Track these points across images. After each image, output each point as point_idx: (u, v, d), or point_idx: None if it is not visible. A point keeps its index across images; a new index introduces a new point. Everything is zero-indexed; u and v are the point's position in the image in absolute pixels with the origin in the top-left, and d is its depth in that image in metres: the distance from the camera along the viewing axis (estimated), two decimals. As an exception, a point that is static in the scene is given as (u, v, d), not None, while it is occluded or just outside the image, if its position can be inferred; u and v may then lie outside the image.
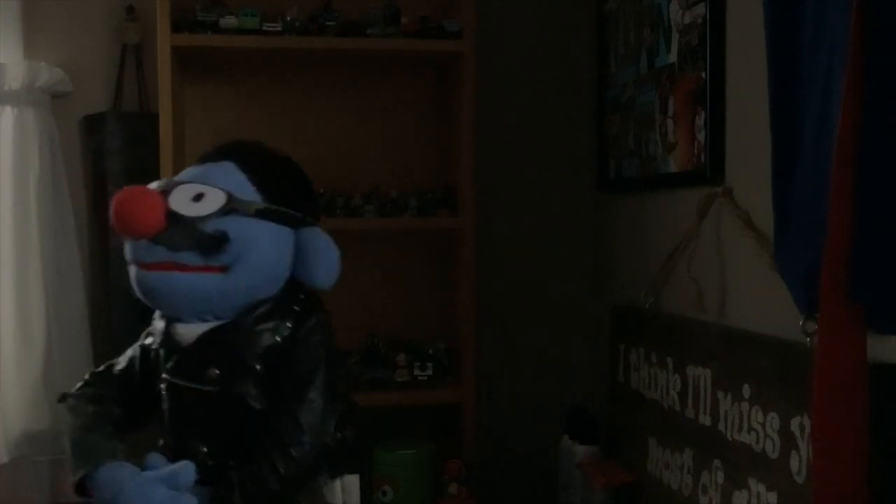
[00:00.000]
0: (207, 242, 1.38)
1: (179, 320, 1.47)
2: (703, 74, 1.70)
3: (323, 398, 1.47)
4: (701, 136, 1.72)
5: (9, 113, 2.12)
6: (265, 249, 1.44)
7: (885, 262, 1.08)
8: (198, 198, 1.41)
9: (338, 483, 2.12)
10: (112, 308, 2.19)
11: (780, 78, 1.34)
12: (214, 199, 1.41)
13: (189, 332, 1.46)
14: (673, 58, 1.85)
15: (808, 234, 1.23)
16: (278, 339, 1.46)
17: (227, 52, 2.13)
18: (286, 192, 1.52)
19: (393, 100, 2.35)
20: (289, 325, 1.47)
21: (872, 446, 1.11)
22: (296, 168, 1.62)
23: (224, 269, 1.40)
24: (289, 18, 2.08)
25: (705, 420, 1.64)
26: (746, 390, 1.49)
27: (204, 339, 1.45)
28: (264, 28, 2.07)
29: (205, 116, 2.26)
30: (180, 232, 1.38)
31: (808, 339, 1.30)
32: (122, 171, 2.18)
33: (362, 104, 2.33)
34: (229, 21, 2.06)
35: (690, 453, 1.70)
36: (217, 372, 1.44)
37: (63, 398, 1.54)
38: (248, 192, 1.46)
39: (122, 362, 1.60)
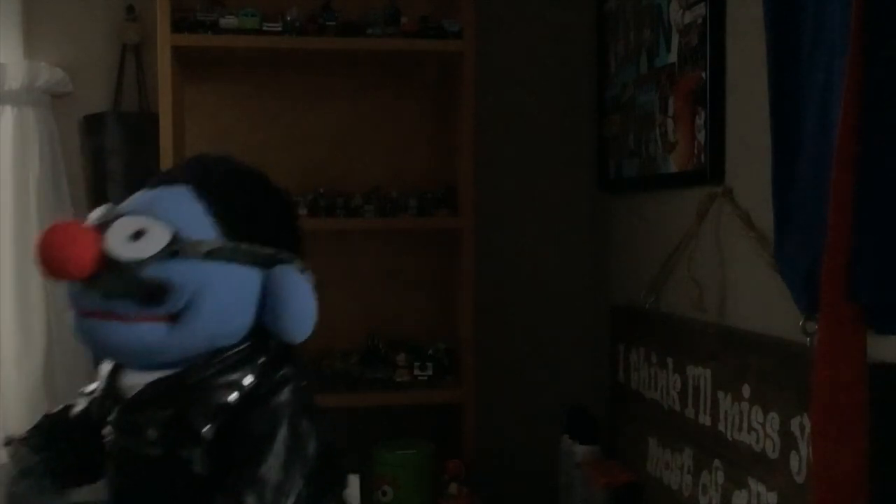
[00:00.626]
0: (144, 292, 1.17)
1: (123, 368, 1.26)
2: (703, 74, 1.70)
3: (281, 474, 1.22)
4: (701, 136, 1.72)
5: (9, 113, 2.12)
6: (220, 296, 1.22)
7: (885, 262, 1.08)
8: (137, 235, 1.18)
9: (338, 483, 2.12)
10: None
11: (780, 78, 1.34)
12: (156, 239, 1.19)
13: (133, 381, 1.24)
14: (673, 58, 1.85)
15: (808, 234, 1.23)
16: (235, 395, 1.23)
17: (227, 52, 2.13)
18: (253, 223, 1.30)
19: (393, 100, 2.35)
20: (251, 378, 1.25)
21: (872, 446, 1.11)
22: (270, 192, 1.38)
23: (172, 317, 1.19)
24: (289, 18, 2.08)
25: (705, 420, 1.64)
26: (746, 390, 1.49)
27: (147, 392, 1.22)
28: (264, 28, 2.07)
29: (205, 116, 2.26)
30: (114, 278, 1.16)
31: (808, 339, 1.30)
32: (122, 171, 2.18)
33: (362, 104, 2.33)
34: (229, 21, 2.06)
35: (690, 453, 1.70)
36: (156, 433, 1.20)
37: (7, 442, 1.35)
38: (203, 226, 1.23)
39: (80, 404, 1.36)
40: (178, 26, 2.04)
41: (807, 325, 1.30)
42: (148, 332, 1.18)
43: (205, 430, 1.20)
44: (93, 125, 2.21)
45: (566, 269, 2.45)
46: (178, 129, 2.12)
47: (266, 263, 1.29)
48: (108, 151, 2.18)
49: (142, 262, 1.16)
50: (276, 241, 1.32)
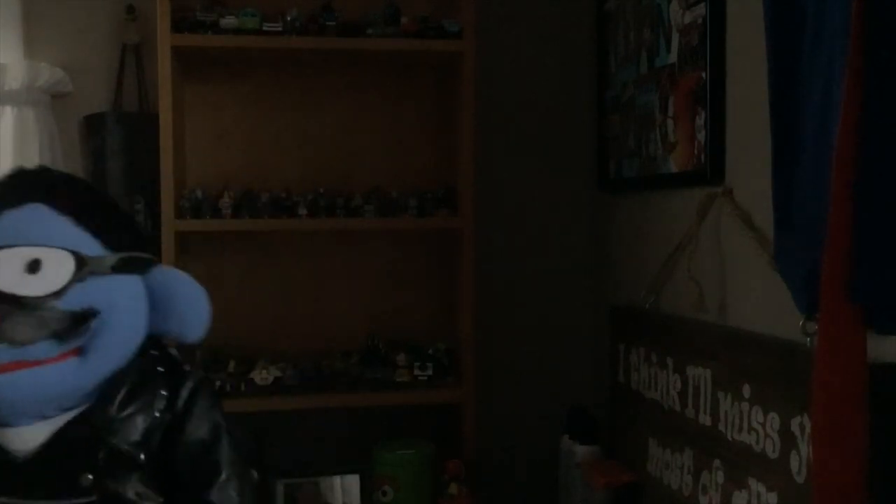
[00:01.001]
0: (68, 325, 1.06)
1: (7, 425, 1.11)
2: (703, 74, 1.70)
3: (236, 481, 1.21)
4: (701, 136, 1.72)
5: (9, 113, 2.12)
6: (126, 314, 1.14)
7: (885, 262, 1.08)
8: (33, 267, 1.07)
9: (338, 482, 2.13)
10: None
11: (780, 78, 1.34)
12: (59, 265, 1.08)
13: (27, 437, 1.11)
14: (673, 58, 1.85)
15: (808, 234, 1.23)
16: (157, 414, 1.17)
17: (227, 52, 2.13)
18: (118, 229, 1.21)
19: (393, 100, 2.35)
20: (163, 392, 1.19)
21: (872, 446, 1.11)
22: (105, 195, 1.30)
23: (79, 351, 1.09)
24: (289, 18, 2.08)
25: (705, 420, 1.64)
26: (746, 390, 1.49)
27: (56, 441, 1.11)
28: (264, 28, 2.07)
29: (205, 116, 2.26)
30: (29, 319, 1.04)
31: (808, 339, 1.30)
32: (122, 171, 2.19)
33: (362, 104, 2.33)
34: (229, 21, 2.05)
35: (690, 453, 1.70)
36: (91, 478, 1.10)
37: None
38: (84, 241, 1.13)
39: None
40: (178, 26, 2.04)
41: (807, 325, 1.30)
42: (60, 372, 1.08)
43: (142, 457, 1.15)
44: (93, 125, 2.22)
45: (566, 269, 2.45)
46: (178, 129, 2.12)
47: (146, 268, 1.20)
48: (108, 151, 2.18)
49: (59, 294, 1.07)
50: (137, 244, 1.24)
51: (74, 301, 1.08)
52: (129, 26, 2.22)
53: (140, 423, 1.16)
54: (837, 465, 1.12)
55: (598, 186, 2.36)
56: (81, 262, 1.10)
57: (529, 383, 2.42)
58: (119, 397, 1.15)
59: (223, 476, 1.20)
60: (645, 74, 2.00)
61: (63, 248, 1.10)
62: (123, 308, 1.13)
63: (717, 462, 1.60)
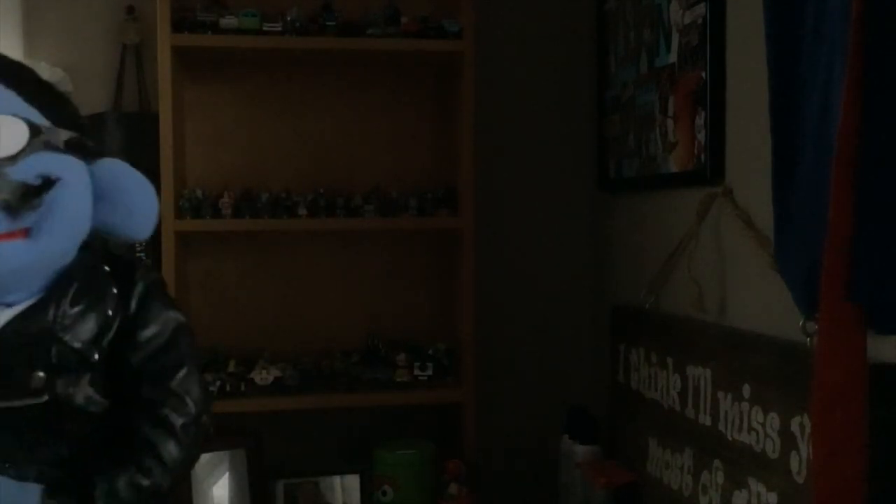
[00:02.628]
0: (22, 197, 1.01)
1: None
2: (703, 74, 1.70)
3: (193, 381, 1.19)
4: (701, 136, 1.72)
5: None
6: (76, 197, 1.08)
7: (885, 262, 1.08)
8: None
9: (338, 482, 2.13)
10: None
11: (780, 78, 1.34)
12: (12, 130, 1.04)
13: None
14: (673, 58, 1.85)
15: (808, 234, 1.23)
16: (109, 312, 1.13)
17: (227, 52, 2.13)
18: (63, 109, 1.16)
19: (393, 100, 2.35)
20: (114, 291, 1.15)
21: (872, 446, 1.11)
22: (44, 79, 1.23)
23: (27, 232, 1.04)
24: (289, 18, 2.08)
25: (705, 420, 1.64)
26: (746, 390, 1.49)
27: (6, 335, 1.07)
28: (264, 28, 2.07)
29: (205, 116, 2.26)
30: None
31: (808, 339, 1.30)
32: (122, 171, 2.18)
33: (362, 104, 2.33)
34: (229, 21, 2.05)
35: (690, 453, 1.70)
36: (42, 376, 1.07)
37: None
38: (32, 115, 1.08)
39: None
40: (178, 26, 2.04)
41: (807, 325, 1.30)
42: (7, 250, 1.02)
43: (95, 356, 1.11)
44: (93, 125, 2.21)
45: (566, 269, 2.45)
46: (178, 129, 2.12)
47: (93, 156, 1.13)
48: (108, 151, 2.18)
49: (13, 158, 1.02)
50: (83, 131, 1.17)
51: (28, 170, 1.03)
52: (129, 26, 2.21)
53: (92, 321, 1.12)
54: (837, 465, 1.12)
55: (598, 186, 2.36)
56: (36, 130, 1.06)
57: (529, 383, 2.42)
58: (70, 292, 1.11)
59: (185, 370, 1.18)
60: (645, 74, 2.00)
61: (15, 116, 1.06)
62: (73, 189, 1.08)
63: (717, 462, 1.60)
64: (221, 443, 2.10)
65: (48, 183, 1.04)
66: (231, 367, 2.13)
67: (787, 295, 1.33)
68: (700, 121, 1.72)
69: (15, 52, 2.15)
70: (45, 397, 1.07)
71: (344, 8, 2.14)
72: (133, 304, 1.16)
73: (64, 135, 1.09)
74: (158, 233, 2.07)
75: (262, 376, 2.10)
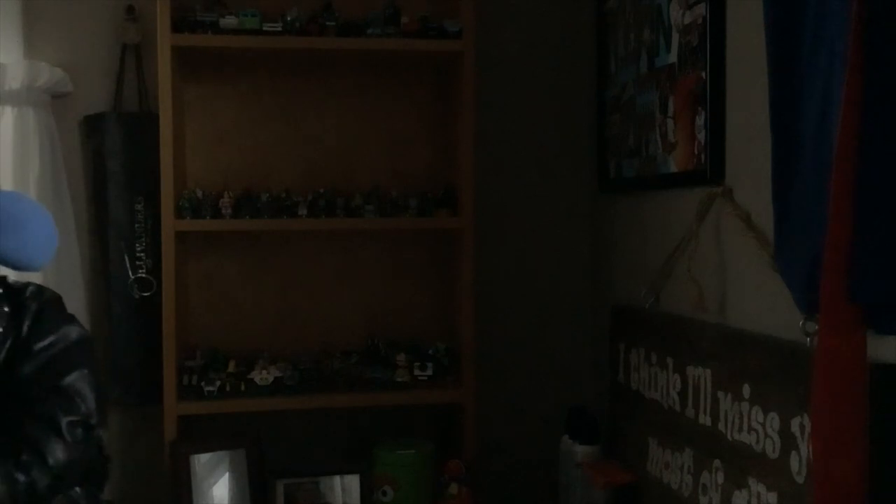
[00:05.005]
0: None
1: None
2: (703, 74, 1.70)
3: (92, 373, 1.20)
4: (701, 136, 1.72)
5: (9, 113, 2.12)
6: None
7: (885, 262, 1.08)
8: None
9: (338, 482, 2.13)
10: (112, 308, 2.19)
11: (780, 78, 1.34)
12: None
13: None
14: (673, 58, 1.85)
15: (808, 234, 1.23)
16: (1, 329, 1.15)
17: (227, 52, 2.13)
18: None
19: (393, 100, 2.35)
20: (5, 309, 1.17)
21: (872, 446, 1.11)
22: None
23: None
24: (289, 18, 2.08)
25: (705, 420, 1.64)
26: (746, 390, 1.49)
27: None
28: (264, 28, 2.07)
29: (205, 116, 2.26)
30: None
31: (808, 339, 1.30)
32: (122, 171, 2.19)
33: (362, 104, 2.33)
34: (229, 21, 2.06)
35: (690, 453, 1.70)
36: None
37: None
38: None
39: None
40: (178, 26, 2.04)
41: (807, 325, 1.30)
42: None
43: None
44: (93, 125, 2.22)
45: (566, 269, 2.45)
46: (178, 129, 2.12)
47: None
48: (108, 151, 2.18)
49: None
50: None
51: None
52: (129, 26, 2.21)
53: None
54: (837, 465, 1.12)
55: (598, 186, 2.36)
56: None
57: (529, 383, 2.42)
58: None
59: (78, 373, 1.17)
60: (645, 74, 2.00)
61: None
62: None
63: (717, 462, 1.60)
64: (221, 443, 2.10)
65: None
66: (231, 367, 2.13)
67: (787, 295, 1.33)
68: (700, 121, 1.72)
69: (15, 52, 2.15)
70: None
71: (344, 8, 2.14)
72: (26, 325, 1.16)
73: None
74: (158, 233, 2.08)
75: (262, 376, 2.10)
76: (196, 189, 2.12)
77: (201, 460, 2.06)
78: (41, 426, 1.13)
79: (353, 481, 2.13)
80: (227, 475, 2.08)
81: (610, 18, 2.25)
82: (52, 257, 1.19)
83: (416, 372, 2.17)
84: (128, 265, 2.17)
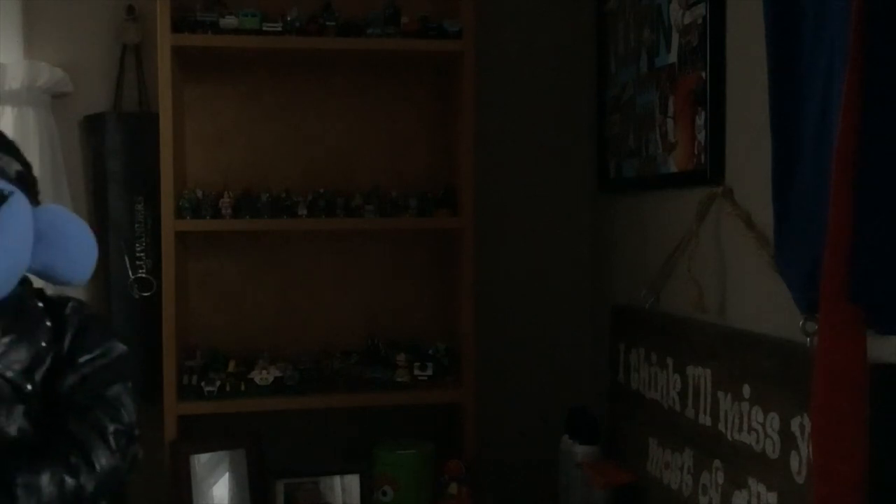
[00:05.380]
0: None
1: None
2: (703, 74, 1.70)
3: (132, 389, 1.21)
4: (701, 136, 1.72)
5: (9, 113, 2.12)
6: (22, 227, 1.11)
7: (885, 262, 1.08)
8: None
9: (338, 482, 2.13)
10: (112, 308, 2.19)
11: (780, 78, 1.34)
12: None
13: None
14: (673, 58, 1.85)
15: (808, 234, 1.23)
16: (43, 344, 1.16)
17: (227, 52, 2.13)
18: (20, 156, 1.20)
19: (393, 100, 2.35)
20: (48, 323, 1.18)
21: (872, 446, 1.11)
22: None
23: None
24: (289, 18, 2.08)
25: (705, 420, 1.64)
26: (746, 390, 1.49)
27: None
28: (264, 28, 2.07)
29: (205, 116, 2.26)
30: None
31: (808, 339, 1.30)
32: (122, 171, 2.19)
33: (362, 104, 2.33)
34: (229, 21, 2.06)
35: (690, 453, 1.70)
36: None
37: None
38: None
39: None
40: (178, 26, 2.04)
41: (807, 325, 1.30)
42: None
43: (28, 387, 1.13)
44: (93, 125, 2.22)
45: (566, 269, 2.45)
46: (178, 129, 2.12)
47: (36, 199, 1.16)
48: (108, 151, 2.18)
49: None
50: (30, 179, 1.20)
51: None
52: (129, 26, 2.21)
53: (24, 351, 1.13)
54: (837, 465, 1.12)
55: (598, 186, 2.36)
56: None
57: (529, 383, 2.42)
58: (3, 322, 1.12)
59: (121, 386, 1.19)
60: (645, 74, 2.00)
61: None
62: (16, 221, 1.10)
63: (717, 462, 1.60)
64: (221, 443, 2.10)
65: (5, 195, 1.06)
66: (231, 367, 2.13)
67: (787, 295, 1.33)
68: (700, 121, 1.72)
69: (15, 52, 2.15)
70: None
71: (344, 8, 2.14)
72: (67, 340, 1.17)
73: (16, 166, 1.12)
74: (158, 233, 2.08)
75: (262, 376, 2.10)
76: (196, 189, 2.12)
77: (201, 460, 2.06)
78: (89, 432, 1.15)
79: (353, 481, 2.13)
80: (227, 475, 2.08)
81: (610, 18, 2.25)
82: (92, 272, 1.21)
83: (416, 372, 2.17)
84: (128, 265, 2.17)
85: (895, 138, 1.07)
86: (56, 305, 1.20)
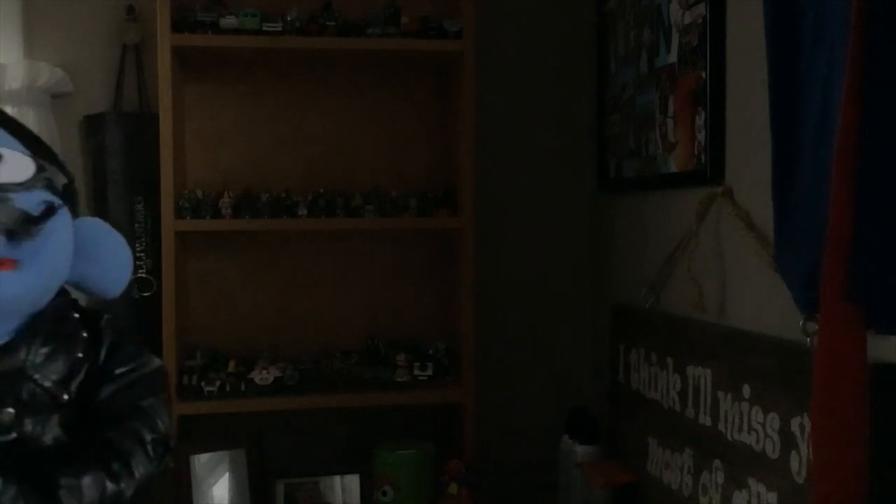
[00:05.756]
0: (22, 223, 1.05)
1: None
2: (703, 74, 1.70)
3: (157, 404, 1.23)
4: (701, 136, 1.72)
5: (9, 113, 2.12)
6: (63, 241, 1.12)
7: (885, 262, 1.08)
8: None
9: (338, 482, 2.13)
10: (112, 308, 2.18)
11: (780, 78, 1.34)
12: (21, 164, 1.09)
13: None
14: (673, 58, 1.85)
15: (808, 234, 1.23)
16: (80, 355, 1.17)
17: (227, 52, 2.13)
18: (65, 168, 1.21)
19: (393, 100, 2.35)
20: (84, 334, 1.19)
21: (872, 446, 1.11)
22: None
23: (16, 262, 1.06)
24: (289, 18, 2.08)
25: (705, 420, 1.64)
26: (746, 390, 1.49)
27: None
28: (264, 28, 2.07)
29: (205, 116, 2.26)
30: None
31: (808, 339, 1.30)
32: (122, 171, 2.19)
33: (362, 104, 2.33)
34: (229, 21, 2.06)
35: (690, 453, 1.70)
36: (12, 412, 1.08)
37: None
38: (28, 160, 1.14)
39: None
40: (178, 26, 2.04)
41: (807, 325, 1.30)
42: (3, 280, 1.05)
43: (65, 397, 1.14)
44: (93, 125, 2.22)
45: (566, 269, 2.45)
46: (178, 129, 2.12)
47: (77, 212, 1.19)
48: (108, 151, 2.18)
49: (20, 185, 1.07)
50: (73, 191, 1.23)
51: (30, 200, 1.07)
52: (129, 26, 2.21)
53: (62, 361, 1.14)
54: (837, 465, 1.12)
55: (598, 186, 2.36)
56: (41, 167, 1.11)
57: (529, 383, 2.42)
58: (42, 333, 1.13)
59: (156, 399, 1.21)
60: (645, 74, 2.00)
61: (23, 154, 1.11)
62: (61, 233, 1.12)
63: (717, 462, 1.60)
64: (221, 443, 2.10)
65: (47, 213, 1.08)
66: (231, 367, 2.13)
67: (787, 295, 1.33)
68: (700, 121, 1.72)
69: (15, 52, 2.15)
70: (13, 435, 1.08)
71: (344, 8, 2.14)
72: (103, 353, 1.19)
73: (63, 179, 1.15)
74: (158, 233, 2.08)
75: (262, 376, 2.10)
76: (196, 189, 2.12)
77: (201, 460, 2.06)
78: (129, 441, 1.17)
79: (353, 481, 2.13)
80: (227, 475, 2.08)
81: (610, 18, 2.25)
82: (126, 285, 1.23)
83: (416, 372, 2.17)
84: (128, 265, 2.17)
85: (895, 138, 1.07)
86: (91, 317, 1.22)
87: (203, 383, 2.08)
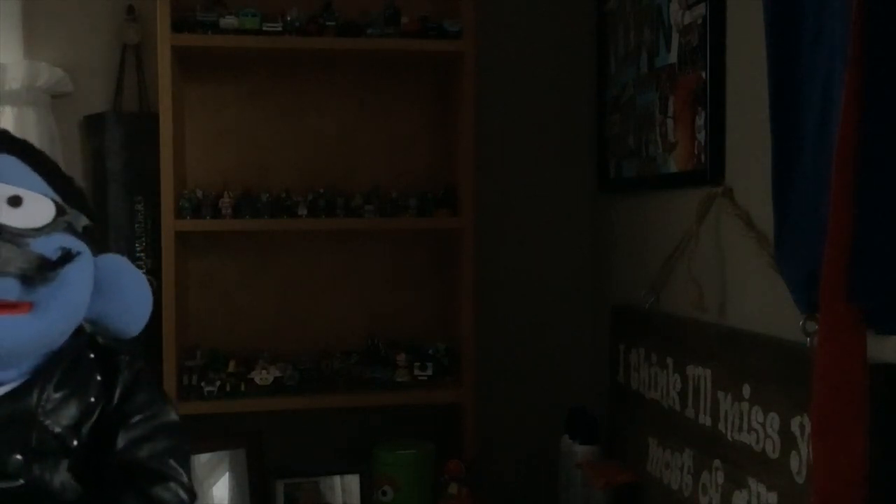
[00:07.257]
0: (39, 268, 1.03)
1: None
2: (703, 74, 1.70)
3: (188, 454, 1.23)
4: (701, 136, 1.72)
5: (9, 113, 2.12)
6: (84, 282, 1.10)
7: (885, 262, 1.08)
8: (15, 201, 1.06)
9: (338, 482, 2.13)
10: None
11: (780, 78, 1.34)
12: (40, 206, 1.08)
13: None
14: (673, 58, 1.85)
15: (808, 234, 1.23)
16: (92, 399, 1.13)
17: (227, 52, 2.13)
18: (77, 200, 1.20)
19: (393, 100, 2.35)
20: (98, 378, 1.16)
21: (872, 446, 1.10)
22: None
23: (31, 306, 1.05)
24: (289, 18, 2.08)
25: (705, 420, 1.64)
26: (746, 390, 1.49)
27: None
28: (264, 28, 2.07)
29: (205, 116, 2.26)
30: (1, 249, 1.01)
31: (808, 339, 1.30)
32: (122, 171, 2.19)
33: (362, 104, 2.33)
34: (229, 21, 2.05)
35: (690, 453, 1.70)
36: (20, 458, 1.05)
37: None
38: (55, 199, 1.13)
39: None
40: (178, 26, 2.04)
41: (807, 325, 1.30)
42: (15, 323, 1.03)
43: (74, 443, 1.11)
44: (93, 125, 2.22)
45: (566, 269, 2.45)
46: (178, 129, 2.12)
47: (98, 249, 1.17)
48: (108, 151, 2.18)
49: (38, 231, 1.05)
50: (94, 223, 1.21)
51: (48, 245, 1.06)
52: (129, 26, 2.21)
53: (74, 407, 1.12)
54: (837, 465, 1.12)
55: (598, 186, 2.36)
56: (61, 210, 1.10)
57: (529, 383, 2.42)
58: (56, 376, 1.11)
59: (179, 454, 1.19)
60: (645, 74, 2.00)
61: (43, 195, 1.10)
62: (80, 275, 1.10)
63: (717, 462, 1.60)
64: (221, 443, 2.10)
65: (64, 259, 1.06)
66: (231, 367, 2.13)
67: (787, 295, 1.33)
68: (700, 121, 1.72)
69: (15, 52, 2.15)
70: (21, 481, 1.05)
71: (344, 8, 2.14)
72: (117, 394, 1.16)
73: (83, 221, 1.13)
74: (158, 233, 2.08)
75: (262, 376, 2.10)
76: (196, 189, 2.12)
77: (201, 460, 2.05)
78: (161, 493, 1.15)
79: (353, 481, 2.13)
80: (227, 475, 2.08)
81: (610, 18, 2.25)
82: (145, 324, 1.20)
83: (416, 372, 2.17)
84: (128, 265, 2.17)
85: (895, 138, 1.07)
86: (107, 357, 1.19)
87: (203, 383, 2.08)
